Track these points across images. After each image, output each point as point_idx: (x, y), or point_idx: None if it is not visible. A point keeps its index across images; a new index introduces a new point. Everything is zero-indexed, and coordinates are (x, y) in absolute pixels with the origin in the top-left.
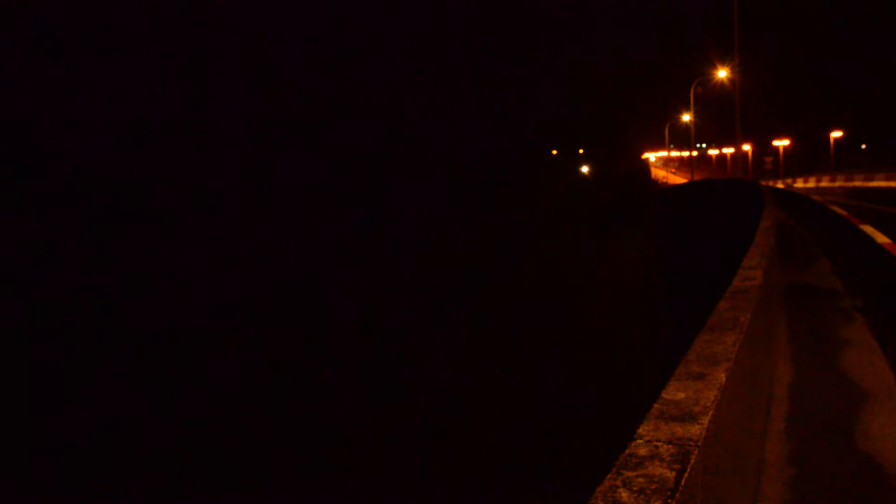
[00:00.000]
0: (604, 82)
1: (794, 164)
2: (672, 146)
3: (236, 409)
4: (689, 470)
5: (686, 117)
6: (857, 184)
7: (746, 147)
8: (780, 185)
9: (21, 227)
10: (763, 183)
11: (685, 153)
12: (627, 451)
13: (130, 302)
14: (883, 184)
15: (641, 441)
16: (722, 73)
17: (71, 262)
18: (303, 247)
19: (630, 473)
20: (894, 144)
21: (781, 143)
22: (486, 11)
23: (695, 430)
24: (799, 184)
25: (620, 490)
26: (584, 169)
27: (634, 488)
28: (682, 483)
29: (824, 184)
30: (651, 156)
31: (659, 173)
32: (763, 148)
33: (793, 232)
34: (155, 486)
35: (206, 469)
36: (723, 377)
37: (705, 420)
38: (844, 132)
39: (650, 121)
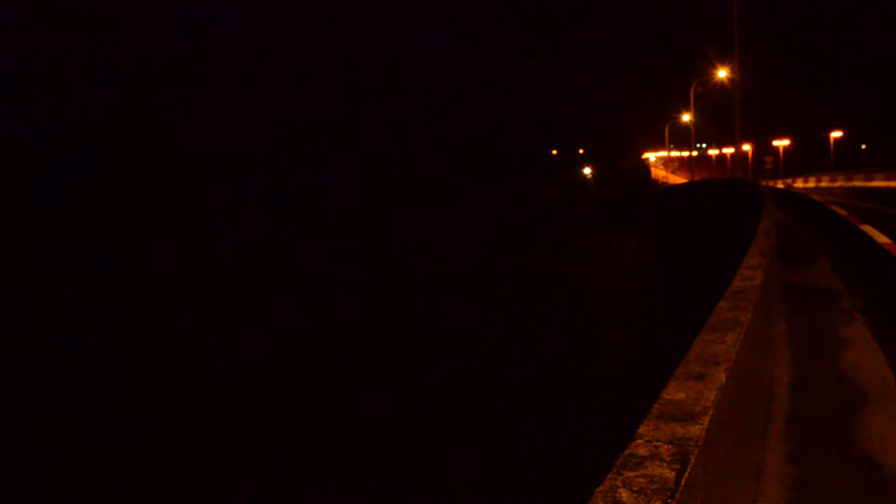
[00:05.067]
0: (604, 82)
1: (794, 164)
2: (672, 146)
3: (243, 407)
4: (689, 470)
5: (686, 117)
6: (857, 184)
7: (746, 147)
8: (780, 185)
9: (22, 227)
10: (763, 183)
11: (685, 153)
12: (627, 451)
13: (136, 301)
14: (883, 184)
15: (641, 441)
16: (722, 73)
17: (73, 261)
18: (305, 247)
19: (630, 473)
20: (894, 144)
21: (781, 143)
22: (486, 13)
23: (695, 430)
24: (799, 184)
25: (620, 490)
26: (587, 170)
27: (634, 488)
28: (682, 483)
29: (824, 184)
30: (651, 156)
31: (659, 173)
32: (763, 148)
33: (793, 232)
34: (156, 487)
35: (208, 469)
36: (723, 377)
37: (705, 420)
38: (844, 132)
39: (650, 121)
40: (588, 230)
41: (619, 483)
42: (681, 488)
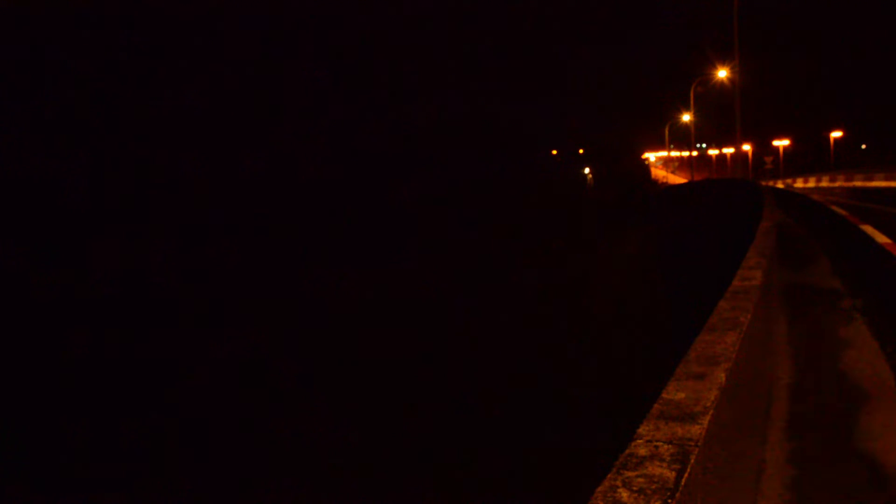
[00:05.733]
0: (604, 82)
1: (794, 164)
2: (672, 146)
3: (236, 407)
4: (689, 470)
5: (686, 117)
6: (857, 184)
7: (746, 147)
8: (780, 185)
9: (20, 227)
10: (763, 183)
11: (685, 153)
12: (627, 451)
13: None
14: (883, 184)
15: (641, 441)
16: (722, 73)
17: (68, 260)
18: (305, 246)
19: (630, 473)
20: (894, 144)
21: (781, 143)
22: (487, 13)
23: (695, 430)
24: (799, 184)
25: (620, 490)
26: (587, 170)
27: (634, 488)
28: (682, 483)
29: (824, 184)
30: (651, 156)
31: (659, 173)
32: (763, 148)
33: (793, 232)
34: (155, 487)
35: (203, 470)
36: (723, 377)
37: (705, 420)
38: (844, 132)
39: (650, 121)
40: (588, 230)
41: (619, 483)
42: (681, 488)
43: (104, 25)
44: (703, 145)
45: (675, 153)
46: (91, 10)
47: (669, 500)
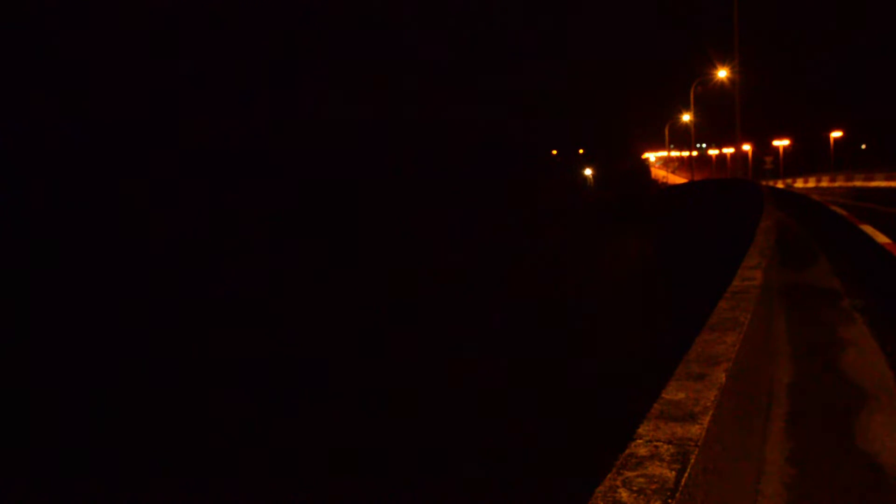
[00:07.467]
0: (604, 83)
1: (794, 164)
2: (672, 146)
3: (235, 406)
4: (689, 470)
5: (686, 117)
6: (857, 184)
7: (746, 147)
8: (780, 185)
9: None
10: (763, 183)
11: (685, 153)
12: (627, 451)
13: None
14: (883, 184)
15: (641, 441)
16: (722, 73)
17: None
18: (305, 245)
19: (630, 473)
20: (894, 144)
21: (781, 143)
22: (486, 11)
23: (695, 430)
24: (799, 184)
25: (620, 490)
26: (587, 171)
27: (634, 488)
28: (682, 483)
29: (824, 184)
30: (651, 156)
31: (659, 173)
32: (763, 148)
33: (793, 232)
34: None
35: (203, 469)
36: (723, 377)
37: (705, 420)
38: (844, 132)
39: (650, 121)
40: (588, 230)
41: (619, 483)
42: (681, 488)
43: None
44: (703, 145)
45: (675, 153)
46: None
47: (669, 500)
